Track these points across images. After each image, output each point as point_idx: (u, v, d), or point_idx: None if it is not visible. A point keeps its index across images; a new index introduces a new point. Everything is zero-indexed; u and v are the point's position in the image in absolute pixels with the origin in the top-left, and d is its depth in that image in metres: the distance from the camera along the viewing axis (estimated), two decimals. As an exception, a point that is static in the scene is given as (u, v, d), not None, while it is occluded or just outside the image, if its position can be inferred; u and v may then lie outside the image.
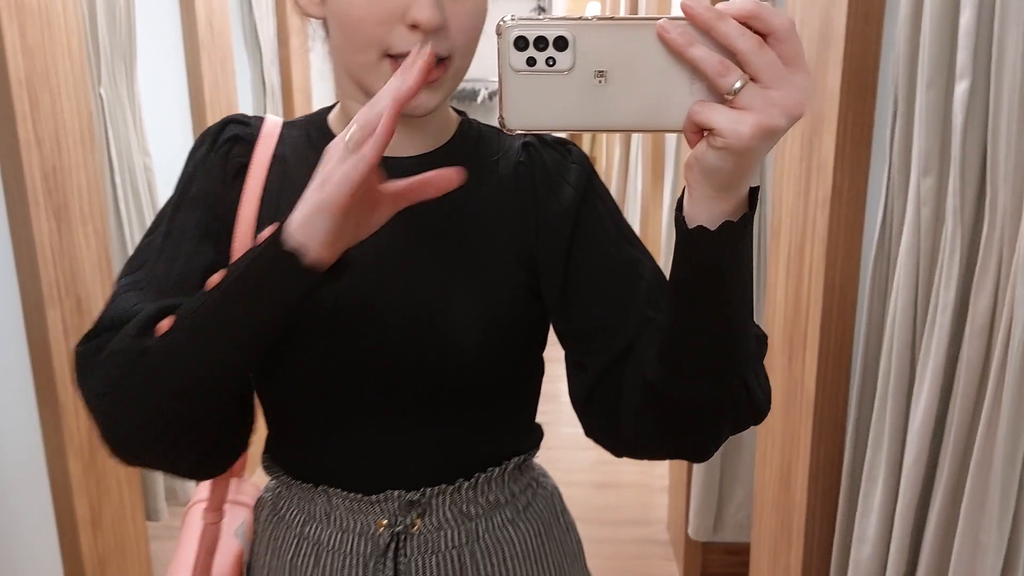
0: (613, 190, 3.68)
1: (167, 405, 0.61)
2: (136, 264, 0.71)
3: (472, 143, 0.76)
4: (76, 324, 1.81)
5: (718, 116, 0.47)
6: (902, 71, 1.07)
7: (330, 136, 0.76)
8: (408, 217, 0.61)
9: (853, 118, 1.16)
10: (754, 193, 0.53)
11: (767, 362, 0.67)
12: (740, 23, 0.47)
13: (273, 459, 0.82)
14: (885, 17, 1.17)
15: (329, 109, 0.79)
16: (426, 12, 0.62)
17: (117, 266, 2.15)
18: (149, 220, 2.24)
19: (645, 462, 2.98)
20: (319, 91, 4.00)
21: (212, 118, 2.62)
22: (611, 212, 0.74)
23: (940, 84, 1.00)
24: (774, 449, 1.43)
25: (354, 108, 0.72)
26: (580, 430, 0.71)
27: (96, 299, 1.88)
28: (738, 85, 0.47)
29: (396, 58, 0.65)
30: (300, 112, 2.96)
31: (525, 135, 0.53)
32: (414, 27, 0.63)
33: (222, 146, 0.74)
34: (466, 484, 0.75)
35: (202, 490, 0.92)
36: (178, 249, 0.70)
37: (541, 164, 0.74)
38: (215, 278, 0.61)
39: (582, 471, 2.59)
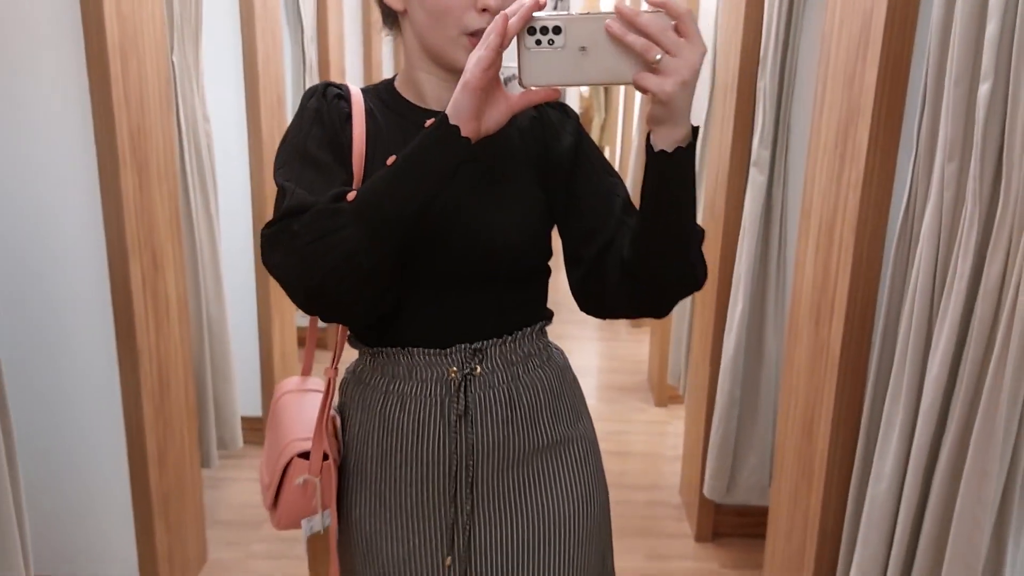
0: (630, 171, 3.90)
1: (362, 246, 0.82)
2: (286, 177, 0.91)
3: None
4: (151, 276, 1.93)
5: (649, 81, 0.75)
6: (932, 71, 1.22)
7: (398, 97, 1.02)
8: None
9: (886, 110, 1.31)
10: (695, 130, 0.81)
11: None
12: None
13: (357, 338, 1.05)
14: (918, 24, 1.32)
15: (392, 79, 1.04)
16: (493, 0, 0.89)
17: (185, 224, 2.28)
18: (210, 184, 2.37)
19: (656, 432, 3.14)
20: (352, 69, 4.13)
21: (264, 89, 2.75)
22: (596, 153, 1.03)
23: (965, 83, 1.15)
24: (797, 405, 1.59)
25: (422, 78, 1.00)
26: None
27: (167, 253, 2.00)
28: (658, 57, 0.73)
29: (471, 35, 0.90)
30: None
31: (536, 89, 0.80)
32: (484, 10, 0.89)
33: (331, 101, 0.98)
34: (510, 338, 1.02)
35: (286, 384, 1.17)
36: (320, 168, 0.92)
37: (548, 118, 1.04)
38: (391, 159, 0.83)
39: (596, 440, 2.75)
